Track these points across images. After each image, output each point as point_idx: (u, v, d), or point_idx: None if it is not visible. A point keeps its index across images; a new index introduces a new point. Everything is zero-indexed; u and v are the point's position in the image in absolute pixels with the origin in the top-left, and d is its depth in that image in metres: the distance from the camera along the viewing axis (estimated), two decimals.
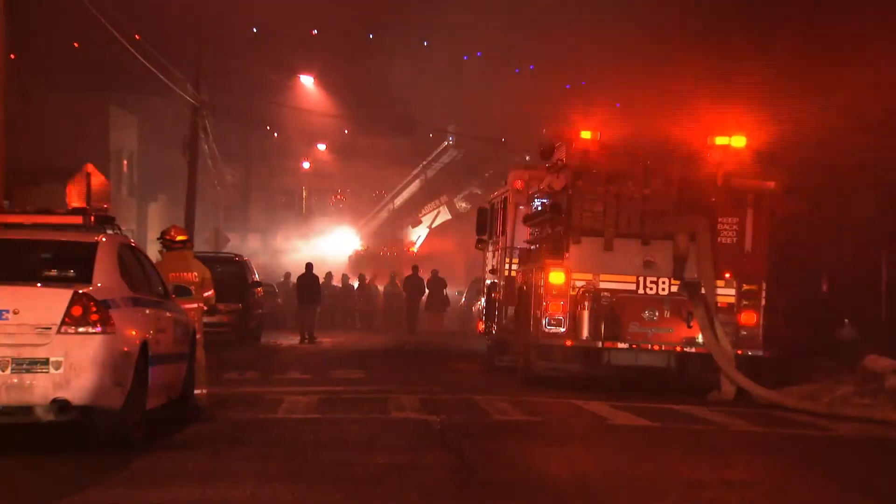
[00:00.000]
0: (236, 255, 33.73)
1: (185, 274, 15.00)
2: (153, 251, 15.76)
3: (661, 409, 16.24)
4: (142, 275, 12.50)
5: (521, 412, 15.43)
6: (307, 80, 54.63)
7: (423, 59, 53.09)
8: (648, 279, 18.73)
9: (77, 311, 10.59)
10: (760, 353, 18.67)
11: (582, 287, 18.60)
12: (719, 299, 18.57)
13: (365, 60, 56.14)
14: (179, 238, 15.57)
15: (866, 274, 25.75)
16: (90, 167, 22.18)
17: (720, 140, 18.93)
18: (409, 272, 42.81)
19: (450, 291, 43.11)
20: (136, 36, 33.10)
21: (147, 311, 11.95)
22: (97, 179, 22.00)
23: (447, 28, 50.92)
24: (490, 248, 24.94)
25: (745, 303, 18.66)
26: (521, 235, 22.03)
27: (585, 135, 18.98)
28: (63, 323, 10.55)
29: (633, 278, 18.74)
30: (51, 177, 30.89)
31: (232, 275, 30.21)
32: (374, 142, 61.67)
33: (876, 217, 27.10)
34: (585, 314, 18.47)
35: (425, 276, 42.03)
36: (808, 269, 26.35)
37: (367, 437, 12.68)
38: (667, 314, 18.70)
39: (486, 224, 25.09)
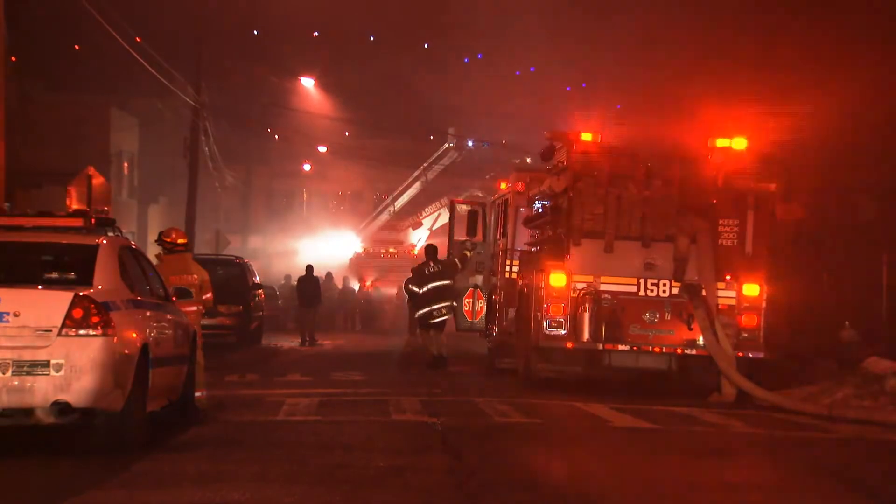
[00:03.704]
0: (237, 258, 33.73)
1: (185, 277, 15.00)
2: (154, 253, 15.75)
3: (661, 411, 16.23)
4: (142, 277, 12.50)
5: (522, 414, 15.43)
6: (308, 83, 54.66)
7: (423, 60, 53.12)
8: (649, 281, 18.71)
9: (78, 313, 10.59)
10: (761, 354, 18.64)
11: (583, 289, 18.58)
12: (720, 301, 18.55)
13: (366, 62, 56.20)
14: (180, 241, 15.56)
15: (867, 275, 25.74)
16: (91, 169, 22.22)
17: (721, 142, 18.94)
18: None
19: None
20: (137, 38, 33.14)
21: (147, 314, 11.96)
22: (98, 181, 22.05)
23: (448, 29, 50.93)
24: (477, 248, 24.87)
25: (745, 305, 18.63)
26: (522, 237, 22.06)
27: (586, 136, 18.98)
28: (64, 325, 10.55)
29: (634, 280, 18.72)
30: (51, 179, 30.95)
31: (233, 277, 30.23)
32: (374, 144, 61.71)
33: (876, 218, 27.11)
34: (586, 316, 18.44)
35: None
36: (808, 270, 26.35)
37: (367, 439, 12.68)
38: (667, 316, 18.68)
39: (476, 225, 24.98)
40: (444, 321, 23.55)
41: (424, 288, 23.40)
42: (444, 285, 23.50)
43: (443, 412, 15.17)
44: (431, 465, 11.01)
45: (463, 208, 25.40)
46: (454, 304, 23.84)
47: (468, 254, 24.41)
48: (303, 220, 66.73)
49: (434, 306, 23.41)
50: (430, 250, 24.29)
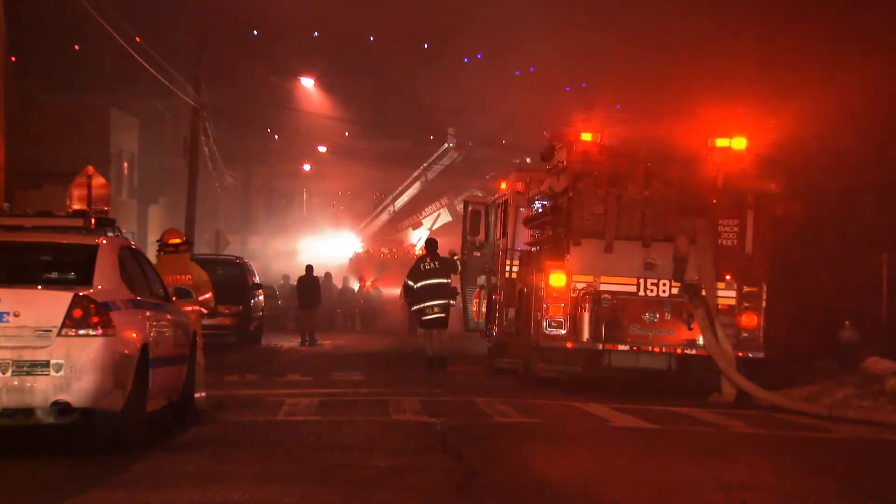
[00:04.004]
0: (237, 258, 33.74)
1: (179, 277, 14.97)
2: (154, 254, 15.75)
3: (661, 411, 16.24)
4: (142, 277, 12.50)
5: (522, 414, 15.43)
6: (308, 83, 54.65)
7: (423, 61, 53.11)
8: (649, 281, 18.72)
9: (78, 313, 10.60)
10: (761, 354, 18.66)
11: (582, 289, 18.59)
12: (720, 301, 18.56)
13: (366, 62, 56.17)
14: (173, 241, 15.53)
15: (867, 275, 25.74)
16: (91, 169, 22.24)
17: (721, 142, 18.94)
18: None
19: None
20: (137, 38, 33.13)
21: (147, 314, 11.95)
22: (98, 182, 22.06)
23: (447, 29, 50.92)
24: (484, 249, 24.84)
25: (745, 305, 18.65)
26: (522, 237, 22.08)
27: (586, 137, 18.98)
28: (64, 325, 10.56)
29: (634, 280, 18.73)
30: (51, 179, 30.96)
31: (233, 277, 30.25)
32: (374, 144, 61.72)
33: (876, 218, 27.10)
34: (586, 316, 18.46)
35: None
36: (808, 270, 26.35)
37: (367, 439, 12.68)
38: (667, 316, 18.69)
39: (479, 225, 24.92)
40: (440, 319, 23.32)
41: (419, 284, 23.28)
42: (439, 283, 23.32)
43: (443, 412, 15.16)
44: (431, 465, 11.01)
45: (467, 208, 25.38)
46: (451, 302, 23.63)
47: (462, 257, 24.39)
48: (303, 220, 66.74)
49: (428, 303, 23.27)
50: (430, 244, 24.06)
